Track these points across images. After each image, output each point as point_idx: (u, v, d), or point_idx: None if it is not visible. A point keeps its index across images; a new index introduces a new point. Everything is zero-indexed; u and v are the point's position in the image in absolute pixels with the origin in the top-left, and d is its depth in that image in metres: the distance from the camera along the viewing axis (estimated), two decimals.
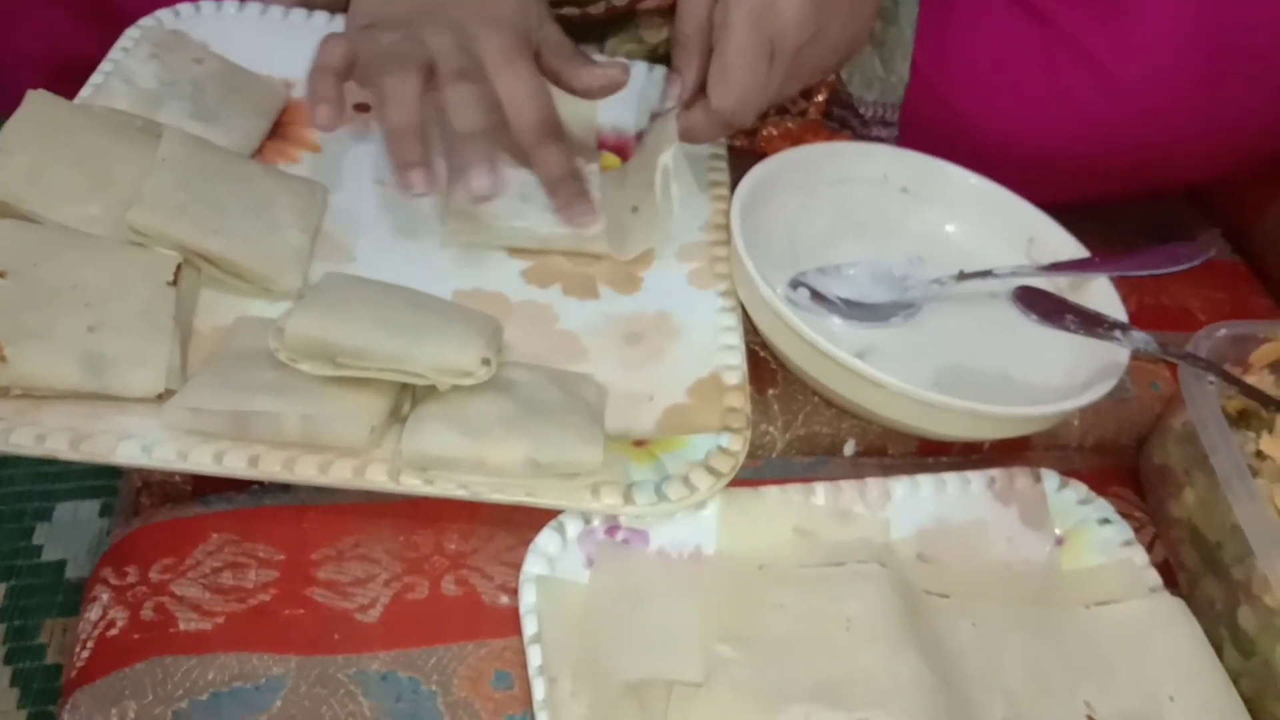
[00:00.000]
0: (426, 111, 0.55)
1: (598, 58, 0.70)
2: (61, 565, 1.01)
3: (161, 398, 0.48)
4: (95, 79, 0.62)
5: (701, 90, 0.58)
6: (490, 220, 0.60)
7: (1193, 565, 0.54)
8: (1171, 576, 0.54)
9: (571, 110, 0.67)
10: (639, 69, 0.72)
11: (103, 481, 1.06)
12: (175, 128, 0.57)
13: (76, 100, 0.60)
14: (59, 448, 0.46)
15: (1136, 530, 0.54)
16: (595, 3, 0.71)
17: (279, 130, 0.64)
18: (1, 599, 0.97)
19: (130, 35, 0.65)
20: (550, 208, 0.60)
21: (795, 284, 0.60)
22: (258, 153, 0.62)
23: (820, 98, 0.71)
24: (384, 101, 0.55)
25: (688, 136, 0.59)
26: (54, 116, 0.55)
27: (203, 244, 0.53)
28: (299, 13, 0.70)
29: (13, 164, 0.53)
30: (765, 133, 0.71)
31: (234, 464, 0.47)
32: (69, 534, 1.03)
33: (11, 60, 0.82)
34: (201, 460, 0.47)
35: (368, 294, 0.50)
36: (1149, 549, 0.54)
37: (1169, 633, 0.50)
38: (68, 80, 0.62)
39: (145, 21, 0.67)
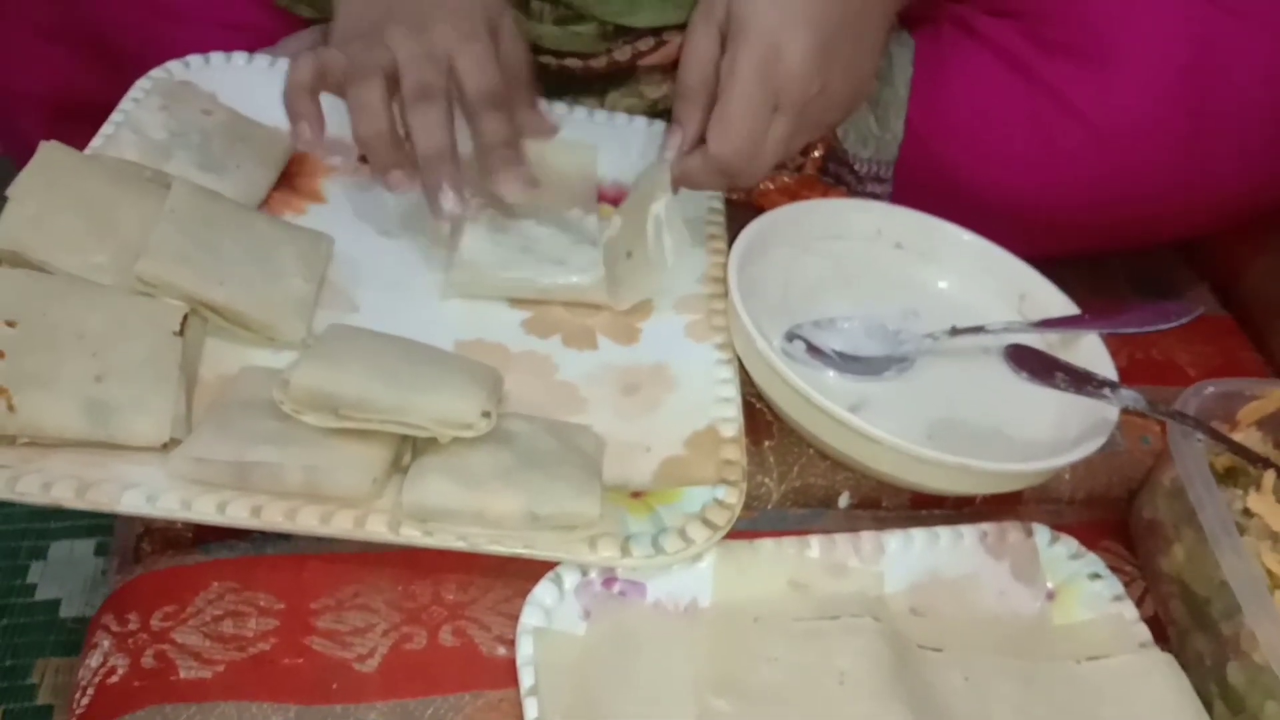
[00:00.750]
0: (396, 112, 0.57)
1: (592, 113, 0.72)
2: (55, 604, 1.01)
3: (166, 447, 0.49)
4: (106, 129, 0.63)
5: (702, 141, 0.59)
6: (491, 271, 0.61)
7: (1182, 620, 0.55)
8: (1162, 631, 0.55)
9: (570, 160, 0.69)
10: (639, 124, 0.73)
11: (98, 520, 1.06)
12: (183, 179, 0.58)
13: (87, 150, 0.61)
14: (65, 496, 0.47)
15: (1127, 584, 0.55)
16: (597, 56, 0.72)
17: (285, 181, 0.66)
18: None
19: (141, 86, 0.66)
20: (551, 258, 0.61)
21: (791, 337, 0.61)
22: (264, 203, 0.64)
23: (817, 154, 0.72)
24: (352, 111, 0.57)
25: (684, 180, 0.60)
26: (64, 166, 0.56)
27: (208, 294, 0.54)
28: None
29: (22, 213, 0.54)
30: (762, 187, 0.73)
31: (237, 514, 0.47)
32: (64, 573, 1.03)
33: (13, 101, 0.83)
34: (205, 510, 0.47)
35: (371, 346, 0.51)
36: (1139, 604, 0.54)
37: (1158, 688, 0.51)
38: (69, 121, 0.63)
39: (156, 73, 0.68)
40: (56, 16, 0.76)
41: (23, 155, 0.57)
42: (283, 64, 0.71)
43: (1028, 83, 0.66)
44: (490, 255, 0.61)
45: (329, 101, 0.59)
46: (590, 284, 0.61)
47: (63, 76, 0.79)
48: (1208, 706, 0.50)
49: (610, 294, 0.62)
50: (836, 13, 0.57)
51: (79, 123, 0.64)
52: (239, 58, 0.71)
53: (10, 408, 0.47)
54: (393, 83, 0.57)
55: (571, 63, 0.72)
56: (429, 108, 0.56)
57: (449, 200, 0.56)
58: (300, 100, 0.57)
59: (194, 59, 0.69)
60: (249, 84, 0.69)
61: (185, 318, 0.53)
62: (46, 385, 0.48)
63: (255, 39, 0.73)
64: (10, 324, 0.50)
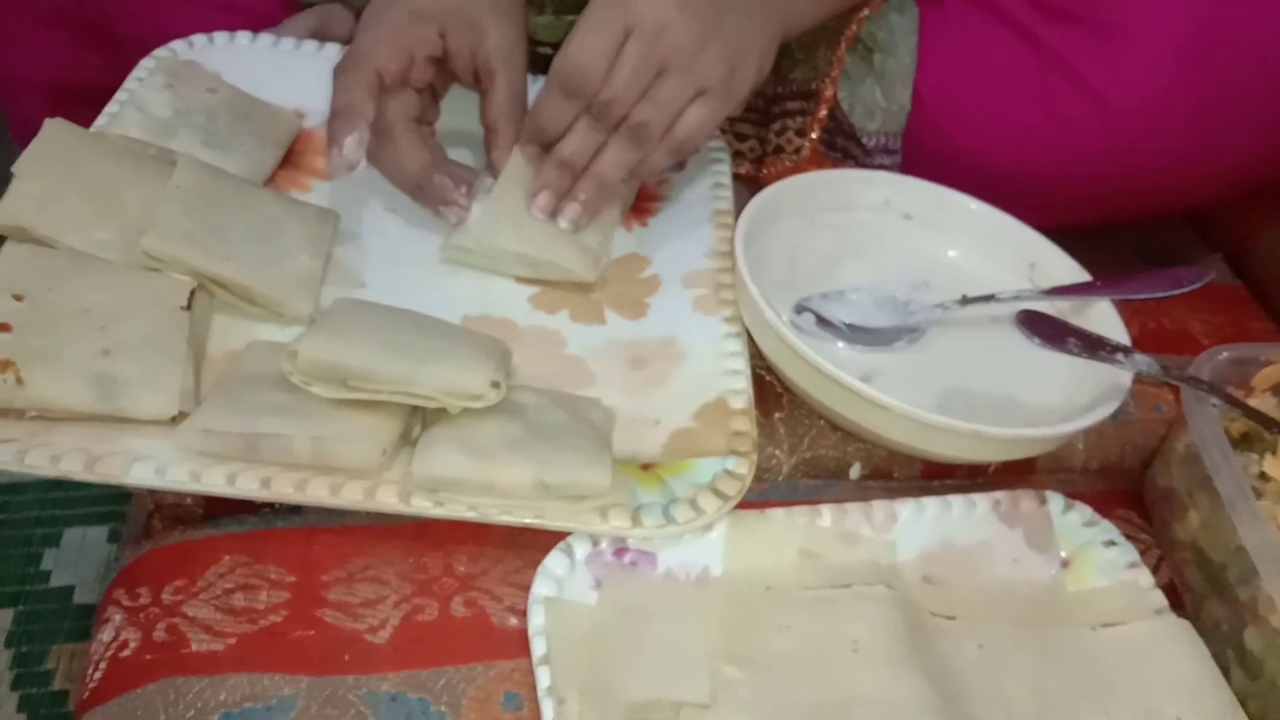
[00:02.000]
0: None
1: None
2: (69, 591, 1.01)
3: (175, 420, 0.49)
4: (110, 108, 0.63)
5: None
6: (486, 244, 0.60)
7: (1198, 587, 0.54)
8: (1177, 598, 0.54)
9: None
10: None
11: (111, 507, 1.07)
12: (188, 156, 0.58)
13: (92, 128, 0.61)
14: (74, 469, 0.47)
15: (1142, 552, 0.54)
16: None
17: (291, 159, 0.66)
18: (9, 624, 0.98)
19: (145, 65, 0.66)
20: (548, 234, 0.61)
21: (800, 309, 0.61)
22: (270, 181, 0.64)
23: (814, 135, 0.71)
24: (335, 89, 0.58)
25: (534, 125, 0.59)
26: (69, 144, 0.56)
27: (215, 270, 0.54)
28: (310, 44, 0.72)
29: (29, 190, 0.54)
30: (765, 171, 0.72)
31: (247, 485, 0.47)
32: (77, 559, 1.04)
33: (15, 84, 0.84)
34: (214, 482, 0.47)
35: (378, 319, 0.51)
36: (1154, 571, 0.54)
37: (1175, 654, 0.50)
38: (71, 104, 0.63)
39: (160, 52, 0.68)
40: (60, 2, 0.76)
41: (27, 139, 0.57)
42: (286, 44, 0.72)
43: (1035, 52, 0.65)
44: (488, 228, 0.60)
45: (322, 74, 0.60)
46: (577, 266, 0.61)
47: (64, 61, 0.79)
48: (1225, 672, 0.50)
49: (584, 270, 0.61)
50: None
51: (81, 106, 0.63)
52: (243, 37, 0.71)
53: (19, 381, 0.47)
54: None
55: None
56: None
57: (348, 149, 0.57)
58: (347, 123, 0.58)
59: (198, 38, 0.69)
60: (253, 63, 0.69)
61: (193, 293, 0.53)
62: (54, 360, 0.48)
63: (256, 22, 0.73)
64: (18, 298, 0.50)
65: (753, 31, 0.59)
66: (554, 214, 0.60)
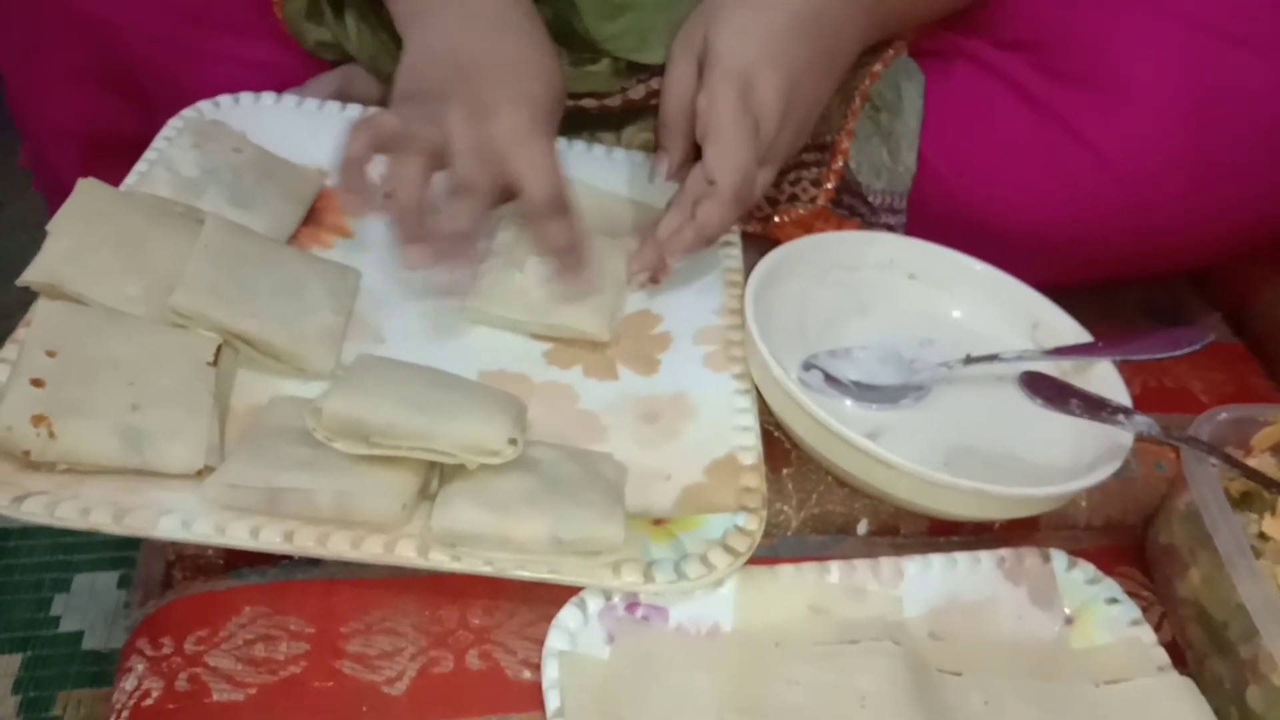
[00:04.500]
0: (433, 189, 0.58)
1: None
2: (78, 636, 1.02)
3: (200, 474, 0.50)
4: (140, 167, 0.65)
5: (684, 169, 0.63)
6: (502, 305, 0.62)
7: (1200, 644, 0.55)
8: (1180, 655, 0.55)
9: (595, 203, 0.71)
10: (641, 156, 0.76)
11: (121, 553, 1.08)
12: (216, 214, 0.60)
13: (121, 186, 0.63)
14: (103, 521, 0.48)
15: (1144, 609, 0.55)
16: (612, 95, 0.74)
17: (313, 216, 0.67)
18: (18, 669, 0.98)
19: (173, 125, 0.68)
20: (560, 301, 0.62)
21: (807, 366, 0.62)
22: (293, 238, 0.65)
23: (830, 185, 0.73)
24: (392, 177, 0.58)
25: (704, 231, 0.61)
26: (101, 203, 0.58)
27: (240, 326, 0.55)
28: (333, 104, 0.74)
29: (61, 247, 0.56)
30: (777, 219, 0.74)
31: (270, 539, 0.49)
32: (86, 604, 1.04)
33: (45, 135, 0.86)
34: (239, 535, 0.48)
35: (400, 376, 0.52)
36: (1157, 628, 0.55)
37: (1178, 711, 0.51)
38: (100, 157, 0.65)
39: (187, 112, 0.70)
40: (89, 57, 0.78)
41: (55, 191, 0.59)
42: (310, 104, 0.74)
43: (1039, 114, 0.66)
44: (503, 289, 0.62)
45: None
46: (593, 328, 0.62)
47: (94, 114, 0.81)
48: None
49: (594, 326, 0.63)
50: (806, 53, 0.61)
51: (110, 158, 0.65)
52: (267, 97, 0.73)
53: (51, 435, 0.49)
54: (438, 159, 0.58)
55: (588, 103, 0.74)
56: (467, 202, 0.58)
57: (457, 282, 0.59)
58: (352, 174, 0.58)
59: (224, 99, 0.72)
60: (277, 123, 0.71)
61: (219, 349, 0.54)
62: (85, 413, 0.50)
63: (282, 78, 0.75)
64: (50, 354, 0.51)
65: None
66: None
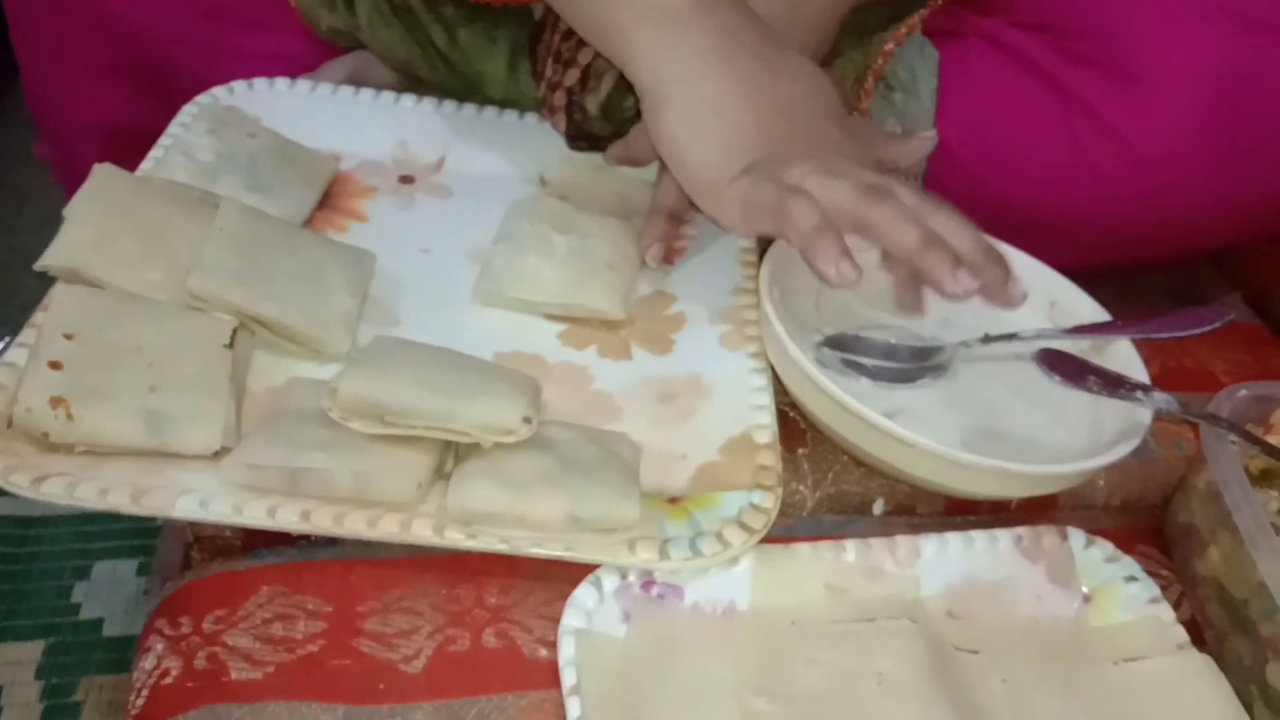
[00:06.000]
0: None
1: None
2: (99, 623, 1.03)
3: (217, 455, 0.51)
4: (155, 153, 0.65)
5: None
6: (513, 285, 0.62)
7: (1220, 623, 0.55)
8: (1199, 634, 0.55)
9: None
10: None
11: (140, 541, 1.09)
12: (231, 199, 0.60)
13: (138, 172, 0.63)
14: (121, 502, 0.48)
15: (1163, 588, 0.55)
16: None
17: (328, 201, 0.68)
18: (40, 656, 0.99)
19: (189, 111, 0.69)
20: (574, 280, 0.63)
21: (824, 346, 0.62)
22: (308, 222, 0.65)
23: None
24: (787, 216, 0.54)
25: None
26: (118, 188, 0.58)
27: (257, 309, 0.55)
28: (346, 89, 0.74)
29: (79, 233, 0.56)
30: None
31: (287, 518, 0.49)
32: (107, 592, 1.05)
33: (70, 131, 0.86)
34: (256, 515, 0.49)
35: (415, 356, 0.53)
36: (1176, 607, 0.54)
37: (1198, 689, 0.51)
38: (122, 149, 0.65)
39: (202, 98, 0.70)
40: (114, 56, 0.79)
41: (74, 181, 0.59)
42: (324, 89, 0.74)
43: (1058, 95, 0.66)
44: (516, 271, 0.62)
45: (358, 118, 0.62)
46: (607, 305, 0.62)
47: (120, 109, 0.82)
48: (1248, 708, 0.50)
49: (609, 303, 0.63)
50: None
51: (130, 150, 0.66)
52: (281, 83, 0.73)
53: (69, 417, 0.49)
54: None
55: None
56: (888, 200, 0.54)
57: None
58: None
59: (238, 85, 0.72)
60: (291, 108, 0.72)
61: (235, 331, 0.54)
62: (104, 396, 0.50)
63: (302, 70, 0.75)
64: (68, 337, 0.51)
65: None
66: None
